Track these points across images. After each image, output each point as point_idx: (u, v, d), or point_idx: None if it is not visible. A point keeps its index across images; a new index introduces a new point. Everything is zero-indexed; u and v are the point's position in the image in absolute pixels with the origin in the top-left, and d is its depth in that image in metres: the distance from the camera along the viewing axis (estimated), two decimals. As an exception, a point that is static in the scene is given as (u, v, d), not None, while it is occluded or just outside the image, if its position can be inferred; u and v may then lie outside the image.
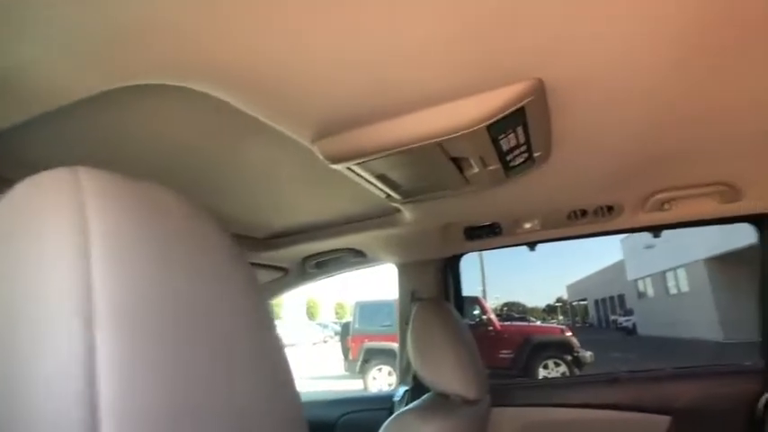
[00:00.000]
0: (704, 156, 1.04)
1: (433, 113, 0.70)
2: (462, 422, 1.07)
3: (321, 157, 0.78)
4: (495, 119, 0.69)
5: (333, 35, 0.53)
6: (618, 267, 23.47)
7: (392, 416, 1.03)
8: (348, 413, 1.61)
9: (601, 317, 28.03)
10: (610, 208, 1.27)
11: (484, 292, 17.01)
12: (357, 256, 1.56)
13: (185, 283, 0.26)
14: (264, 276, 1.63)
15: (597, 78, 0.68)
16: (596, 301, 29.42)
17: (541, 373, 6.98)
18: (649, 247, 18.41)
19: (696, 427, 1.29)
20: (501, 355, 7.22)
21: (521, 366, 7.06)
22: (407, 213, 1.22)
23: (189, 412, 0.24)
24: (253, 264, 1.49)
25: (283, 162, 0.97)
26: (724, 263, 13.13)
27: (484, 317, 7.66)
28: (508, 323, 8.58)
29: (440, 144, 0.76)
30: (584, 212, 1.29)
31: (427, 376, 1.14)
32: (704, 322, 13.58)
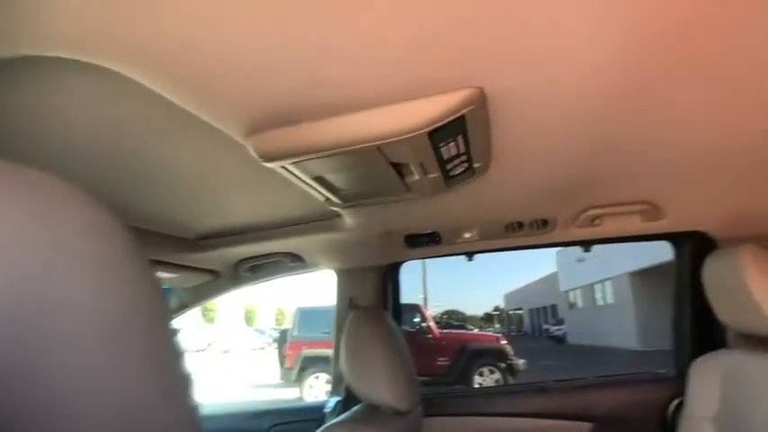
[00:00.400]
0: (631, 177, 1.09)
1: (374, 115, 0.68)
2: None
3: (254, 154, 0.74)
4: (436, 125, 0.68)
5: (262, 24, 0.49)
6: (552, 279, 24.66)
7: (320, 428, 0.99)
8: (277, 425, 1.55)
9: (535, 325, 29.31)
10: (545, 222, 1.31)
11: (425, 299, 17.27)
12: (295, 261, 1.51)
13: (67, 276, 0.23)
14: (194, 279, 1.54)
15: (537, 94, 0.69)
16: (531, 311, 30.73)
17: (477, 380, 7.15)
18: (581, 260, 19.50)
19: (614, 430, 1.35)
20: (439, 363, 7.33)
21: (457, 373, 7.20)
22: (348, 218, 1.19)
23: (71, 414, 0.21)
24: (181, 266, 1.40)
25: (216, 159, 0.91)
26: (645, 277, 14.12)
27: (423, 324, 7.75)
28: (447, 331, 8.73)
29: (380, 148, 0.74)
30: (520, 225, 1.32)
31: (358, 387, 1.11)
32: (626, 332, 14.51)
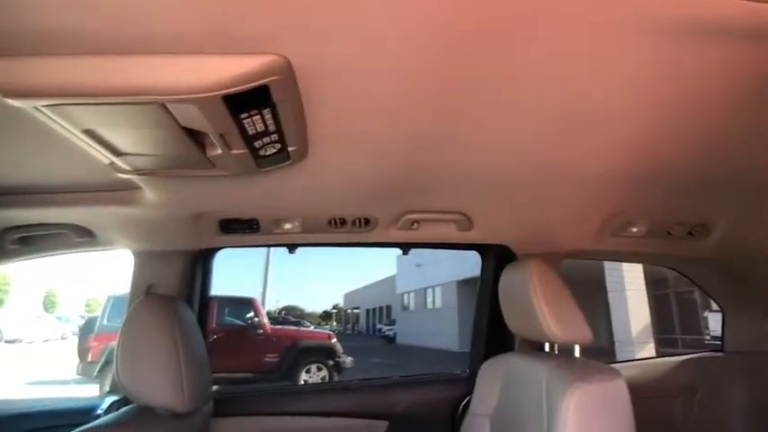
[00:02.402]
0: (446, 187, 1.15)
1: (155, 64, 0.57)
2: None
3: None
4: (231, 90, 0.60)
5: None
6: (390, 281, 26.10)
7: (76, 430, 0.83)
8: (34, 429, 1.27)
9: (370, 325, 30.64)
10: (367, 221, 1.31)
11: (264, 294, 16.79)
12: (82, 236, 1.27)
13: None
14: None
15: (348, 76, 0.65)
16: (368, 310, 32.08)
17: (303, 377, 7.14)
18: (419, 265, 21.02)
19: (408, 429, 1.40)
20: (267, 359, 7.14)
21: (285, 370, 7.09)
22: (149, 192, 1.03)
23: None
24: None
25: None
26: (468, 285, 15.78)
27: (256, 319, 7.48)
28: (279, 327, 8.56)
29: (165, 106, 0.63)
30: (343, 221, 1.30)
31: (128, 385, 0.96)
32: (448, 334, 16.01)
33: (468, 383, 1.33)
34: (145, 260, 1.36)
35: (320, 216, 1.28)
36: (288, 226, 1.30)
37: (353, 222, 1.31)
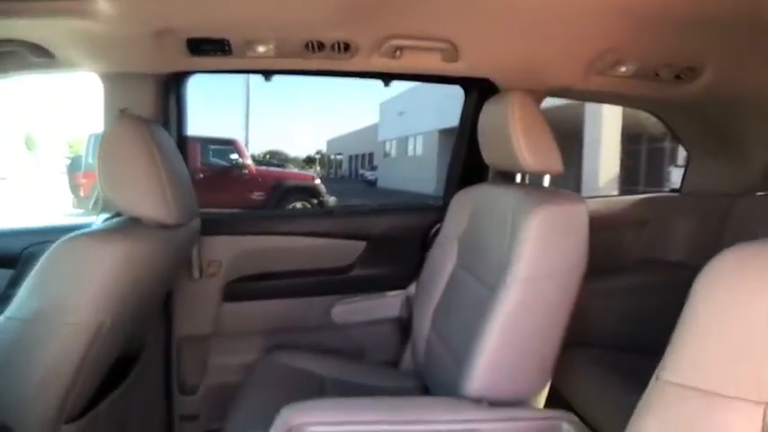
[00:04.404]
0: (433, 10, 1.07)
1: None
2: (155, 245, 1.00)
3: None
4: None
5: None
6: (372, 129, 25.96)
7: (63, 237, 0.88)
8: (34, 245, 1.36)
9: (352, 170, 31.38)
10: (347, 46, 1.24)
11: (246, 138, 16.68)
12: (39, 55, 1.17)
13: None
14: None
15: None
16: (351, 157, 32.52)
17: (293, 214, 7.57)
18: (402, 113, 20.73)
19: (383, 248, 1.55)
20: (254, 197, 7.47)
21: (272, 207, 7.47)
22: (103, 2, 0.93)
23: None
24: None
25: None
26: (450, 135, 15.78)
27: (240, 160, 7.60)
28: (264, 167, 8.76)
29: None
30: (321, 45, 1.22)
31: (114, 199, 1.00)
32: (426, 180, 16.58)
33: (441, 212, 1.41)
34: (114, 84, 1.30)
35: (295, 38, 1.20)
36: (261, 49, 1.22)
37: (332, 47, 1.23)
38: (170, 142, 1.15)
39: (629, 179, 12.24)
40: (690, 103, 1.54)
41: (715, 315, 0.46)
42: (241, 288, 1.48)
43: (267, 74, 1.39)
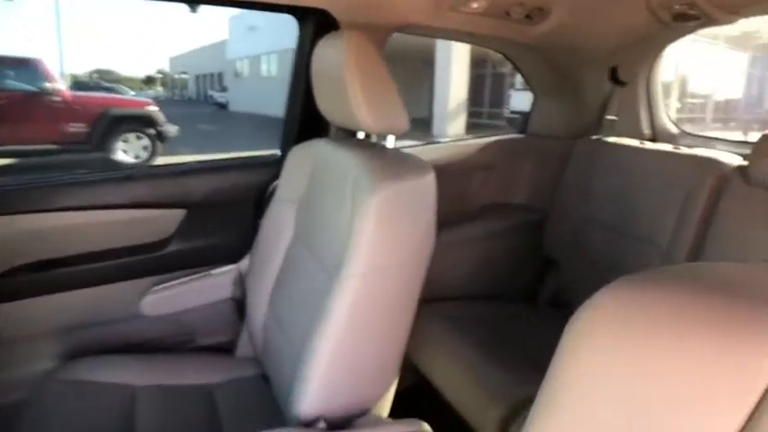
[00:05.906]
0: None
1: None
2: None
3: None
4: None
5: None
6: (221, 46, 23.29)
7: None
8: None
9: (200, 92, 28.29)
10: None
11: (60, 55, 13.69)
12: None
13: None
14: None
15: None
16: (197, 77, 29.11)
17: (121, 146, 6.52)
18: (253, 28, 18.78)
19: (208, 216, 1.30)
20: (72, 129, 6.20)
21: (97, 141, 6.34)
22: None
23: None
24: None
25: None
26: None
27: (48, 85, 6.11)
28: (82, 93, 7.22)
29: None
30: None
31: None
32: (282, 103, 15.74)
33: (277, 169, 1.22)
34: None
35: None
36: None
37: None
38: None
39: (475, 101, 13.28)
40: (537, 46, 1.54)
41: (587, 377, 0.32)
42: (17, 282, 1.12)
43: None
